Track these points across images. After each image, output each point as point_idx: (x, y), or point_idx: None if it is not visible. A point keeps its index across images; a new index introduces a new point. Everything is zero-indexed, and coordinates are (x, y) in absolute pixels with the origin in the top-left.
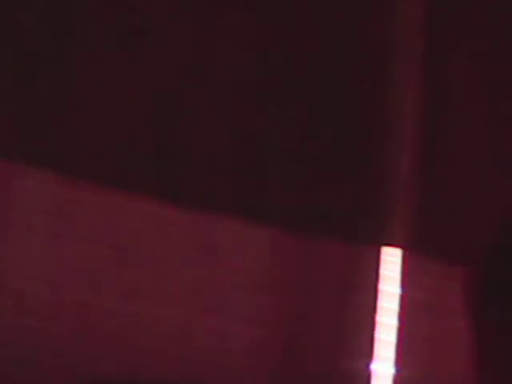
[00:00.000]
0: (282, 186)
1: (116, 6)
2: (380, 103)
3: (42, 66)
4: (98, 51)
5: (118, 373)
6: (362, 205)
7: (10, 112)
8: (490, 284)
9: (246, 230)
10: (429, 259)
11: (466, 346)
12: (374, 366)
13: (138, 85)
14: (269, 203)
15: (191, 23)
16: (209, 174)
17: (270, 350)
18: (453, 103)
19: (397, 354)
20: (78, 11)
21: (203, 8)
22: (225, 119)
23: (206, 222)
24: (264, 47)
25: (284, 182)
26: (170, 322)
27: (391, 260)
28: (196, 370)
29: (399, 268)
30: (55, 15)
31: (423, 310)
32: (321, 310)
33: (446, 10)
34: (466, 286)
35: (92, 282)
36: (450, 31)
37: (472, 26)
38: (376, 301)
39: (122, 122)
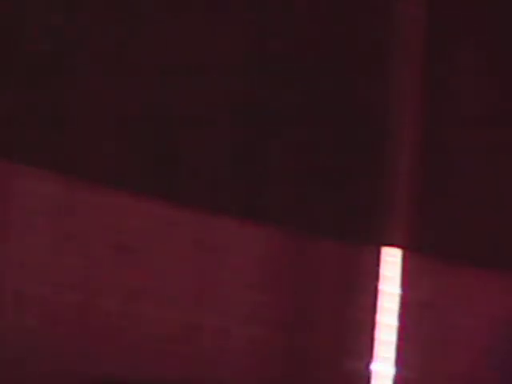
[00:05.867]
0: (282, 187)
1: (115, 11)
2: (380, 104)
3: (42, 67)
4: (98, 53)
5: (118, 373)
6: (361, 205)
7: (10, 112)
8: None
9: (246, 230)
10: (429, 259)
11: (465, 345)
12: (374, 366)
13: (139, 86)
14: (269, 203)
15: (192, 29)
16: (209, 175)
17: (270, 350)
18: (453, 103)
19: (397, 354)
20: (79, 15)
21: (205, 13)
22: (225, 120)
23: (205, 221)
24: (264, 47)
25: (284, 182)
26: (170, 322)
27: (391, 260)
28: (196, 369)
29: (399, 268)
30: (55, 18)
31: (423, 310)
32: (321, 309)
33: (446, 10)
34: None
35: (92, 282)
36: (450, 32)
37: (472, 26)
38: (376, 301)
39: (122, 123)
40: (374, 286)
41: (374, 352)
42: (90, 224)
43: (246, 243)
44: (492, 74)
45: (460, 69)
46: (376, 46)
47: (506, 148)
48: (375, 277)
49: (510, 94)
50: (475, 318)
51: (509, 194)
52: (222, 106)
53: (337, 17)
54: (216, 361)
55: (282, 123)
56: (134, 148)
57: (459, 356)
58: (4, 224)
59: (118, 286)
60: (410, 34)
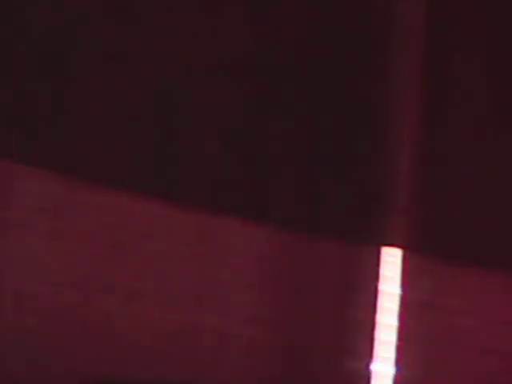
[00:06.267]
0: (282, 187)
1: (115, 7)
2: (380, 103)
3: (42, 66)
4: (97, 52)
5: (118, 373)
6: (361, 205)
7: (10, 112)
8: None
9: (246, 230)
10: (429, 259)
11: (465, 345)
12: (374, 366)
13: (138, 85)
14: (269, 203)
15: (191, 25)
16: (209, 175)
17: (270, 350)
18: (453, 103)
19: (397, 354)
20: (78, 13)
21: (203, 9)
22: (225, 120)
23: (205, 221)
24: (264, 47)
25: (284, 182)
26: (170, 322)
27: (391, 260)
28: (196, 369)
29: (399, 268)
30: (55, 16)
31: (423, 310)
32: (321, 309)
33: (446, 9)
34: None
35: (92, 282)
36: (450, 31)
37: (472, 25)
38: (376, 301)
39: (122, 123)
40: (374, 286)
41: (373, 352)
42: (90, 224)
43: (246, 243)
44: (492, 74)
45: (460, 69)
46: (376, 45)
47: (506, 148)
48: (375, 277)
49: (511, 94)
50: (475, 318)
51: (509, 193)
52: (222, 107)
53: (337, 17)
54: (216, 361)
55: (282, 124)
56: (134, 148)
57: (459, 356)
58: (4, 224)
59: (118, 285)
60: (410, 34)
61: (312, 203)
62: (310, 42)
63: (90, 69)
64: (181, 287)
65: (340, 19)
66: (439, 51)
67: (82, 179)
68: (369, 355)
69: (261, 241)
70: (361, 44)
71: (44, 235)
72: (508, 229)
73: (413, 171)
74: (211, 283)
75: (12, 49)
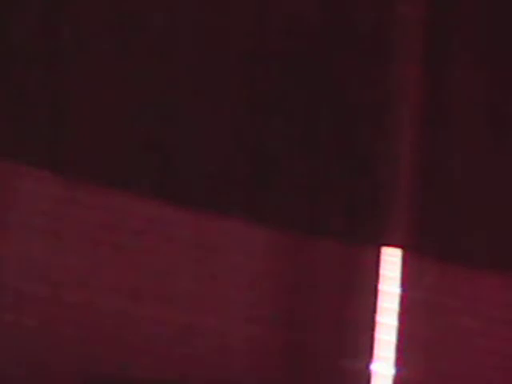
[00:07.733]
0: (282, 186)
1: (115, 7)
2: (380, 103)
3: (41, 66)
4: (97, 52)
5: (118, 373)
6: (361, 205)
7: (10, 112)
8: None
9: (246, 230)
10: (429, 259)
11: (465, 345)
12: (374, 366)
13: (138, 85)
14: (269, 203)
15: (191, 24)
16: (208, 174)
17: (270, 350)
18: (453, 104)
19: (397, 354)
20: (78, 12)
21: (203, 8)
22: (225, 119)
23: (205, 221)
24: (264, 46)
25: (284, 182)
26: (169, 322)
27: (391, 260)
28: (196, 369)
29: (399, 268)
30: (54, 16)
31: (423, 310)
32: (321, 309)
33: (446, 9)
34: None
35: (92, 282)
36: (450, 31)
37: (472, 25)
38: (376, 301)
39: (121, 123)
40: (374, 285)
41: (373, 352)
42: (90, 224)
43: (246, 243)
44: (493, 78)
45: (460, 70)
46: (376, 45)
47: (506, 149)
48: (375, 277)
49: (511, 95)
50: (475, 318)
51: (509, 193)
52: (223, 107)
53: (336, 17)
54: (216, 361)
55: (282, 123)
56: (134, 148)
57: (459, 356)
58: (4, 224)
59: (118, 285)
60: (410, 34)
61: (312, 203)
62: (309, 44)
63: (89, 69)
64: (180, 287)
65: (340, 20)
66: (439, 52)
67: (81, 179)
68: (369, 355)
69: (261, 241)
70: (360, 44)
71: (44, 235)
72: (508, 229)
73: (413, 171)
74: (211, 283)
75: (10, 49)
